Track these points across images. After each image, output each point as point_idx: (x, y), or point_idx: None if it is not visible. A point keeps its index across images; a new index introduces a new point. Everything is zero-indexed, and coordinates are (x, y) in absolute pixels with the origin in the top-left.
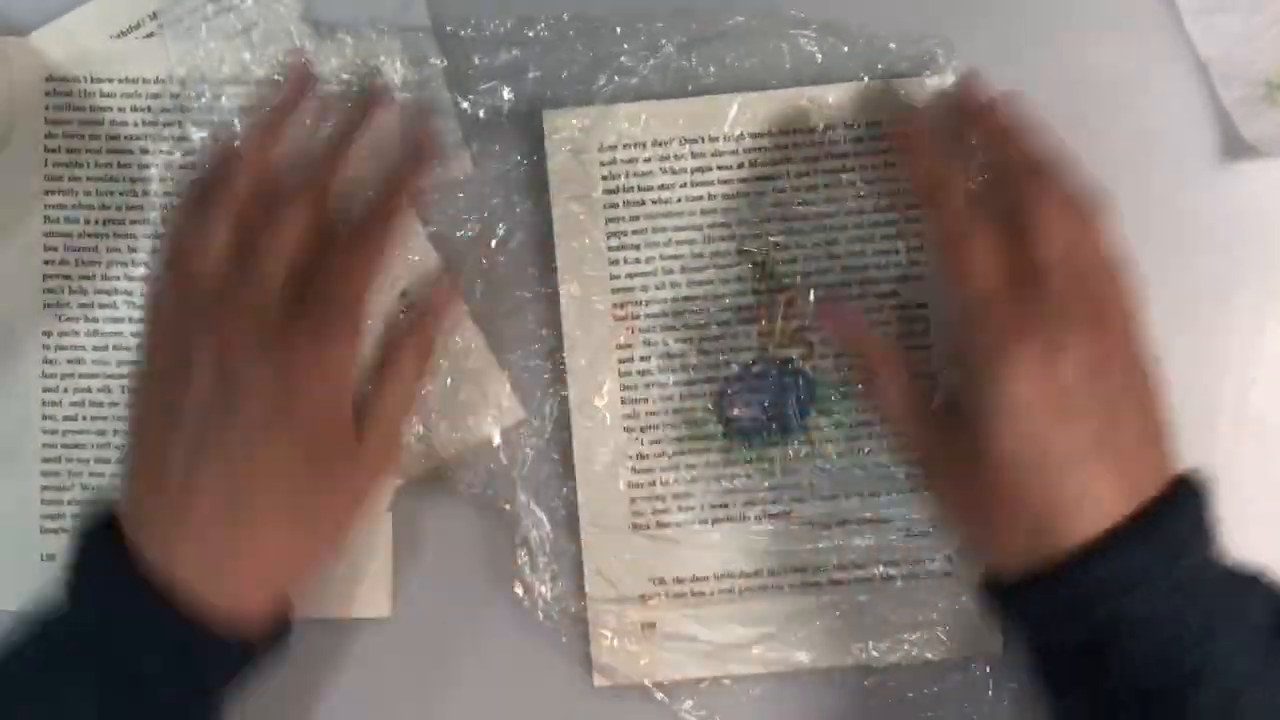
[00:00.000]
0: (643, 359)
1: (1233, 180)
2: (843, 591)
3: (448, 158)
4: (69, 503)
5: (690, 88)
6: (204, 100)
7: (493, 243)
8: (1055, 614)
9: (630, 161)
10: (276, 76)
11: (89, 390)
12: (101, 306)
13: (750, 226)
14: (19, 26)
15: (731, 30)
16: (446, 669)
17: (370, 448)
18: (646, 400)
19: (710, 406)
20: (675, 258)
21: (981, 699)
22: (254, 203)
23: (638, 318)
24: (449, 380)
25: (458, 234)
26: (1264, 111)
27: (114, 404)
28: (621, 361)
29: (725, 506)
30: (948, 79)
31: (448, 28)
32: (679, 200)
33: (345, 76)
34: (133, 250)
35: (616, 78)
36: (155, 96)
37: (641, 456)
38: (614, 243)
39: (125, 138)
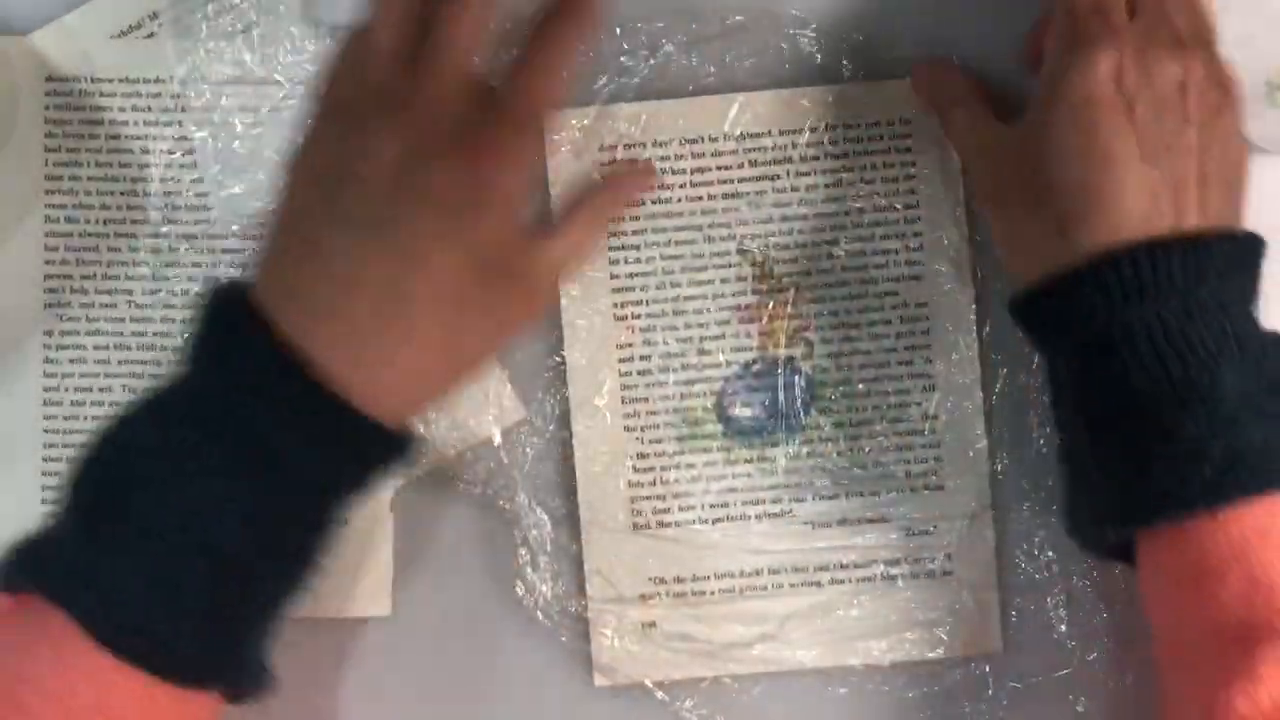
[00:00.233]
0: (643, 358)
1: None
2: (843, 591)
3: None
4: None
5: (690, 88)
6: (204, 100)
7: None
8: (1065, 320)
9: (630, 161)
10: None
11: (89, 390)
12: (102, 306)
13: (750, 226)
14: (19, 26)
15: (731, 30)
16: (446, 669)
17: (524, 282)
18: (647, 400)
19: (710, 406)
20: (675, 258)
21: (981, 699)
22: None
23: (638, 317)
24: None
25: None
26: (1264, 111)
27: (114, 404)
28: (622, 361)
29: (725, 506)
30: None
31: None
32: (679, 200)
33: None
34: (133, 250)
35: (616, 78)
36: (155, 96)
37: (642, 456)
38: (614, 243)
39: (125, 138)
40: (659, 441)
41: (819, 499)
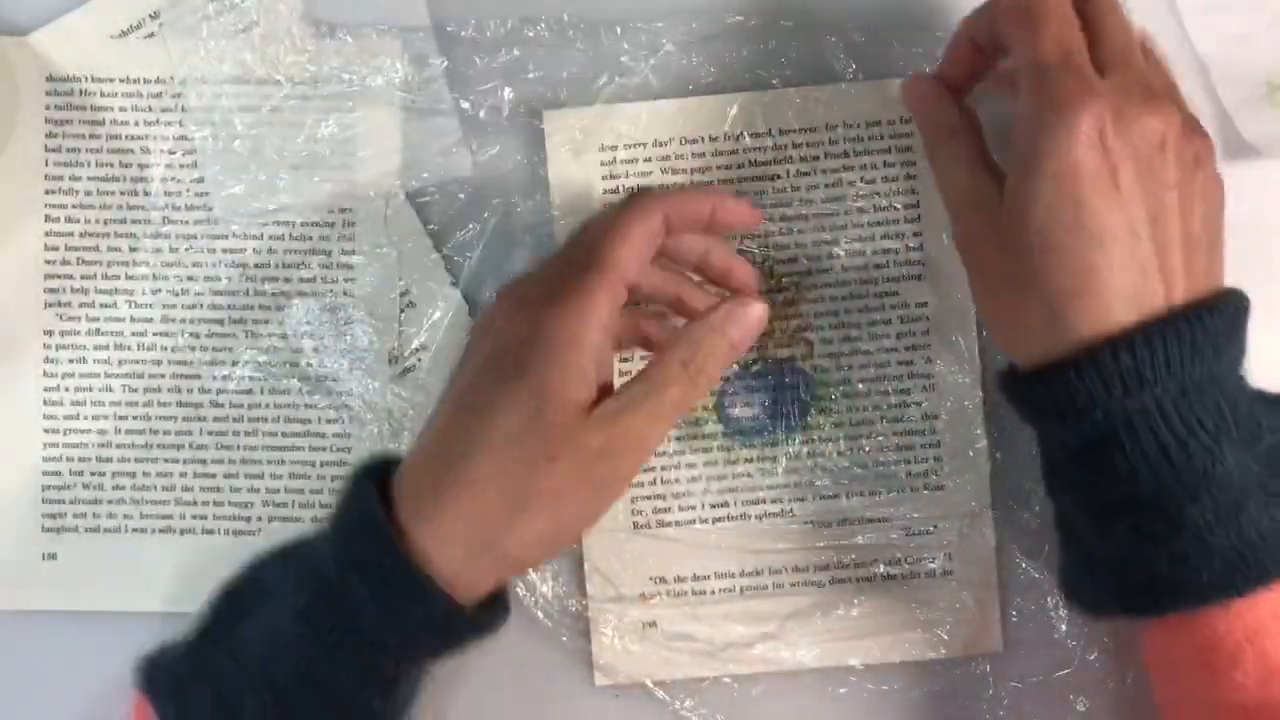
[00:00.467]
0: (643, 358)
1: (1233, 180)
2: (843, 591)
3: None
4: (69, 502)
5: (690, 88)
6: (204, 100)
7: (493, 243)
8: (1062, 406)
9: (630, 161)
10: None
11: (89, 390)
12: (102, 306)
13: None
14: (19, 26)
15: (731, 30)
16: (447, 668)
17: (600, 431)
18: (629, 356)
19: (710, 406)
20: None
21: (982, 698)
22: None
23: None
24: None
25: (458, 234)
26: (1264, 112)
27: (115, 403)
28: (622, 360)
29: (726, 506)
30: None
31: (448, 28)
32: None
33: (345, 77)
34: (133, 250)
35: (617, 78)
36: (155, 96)
37: None
38: None
39: (125, 138)
40: None
41: (819, 499)
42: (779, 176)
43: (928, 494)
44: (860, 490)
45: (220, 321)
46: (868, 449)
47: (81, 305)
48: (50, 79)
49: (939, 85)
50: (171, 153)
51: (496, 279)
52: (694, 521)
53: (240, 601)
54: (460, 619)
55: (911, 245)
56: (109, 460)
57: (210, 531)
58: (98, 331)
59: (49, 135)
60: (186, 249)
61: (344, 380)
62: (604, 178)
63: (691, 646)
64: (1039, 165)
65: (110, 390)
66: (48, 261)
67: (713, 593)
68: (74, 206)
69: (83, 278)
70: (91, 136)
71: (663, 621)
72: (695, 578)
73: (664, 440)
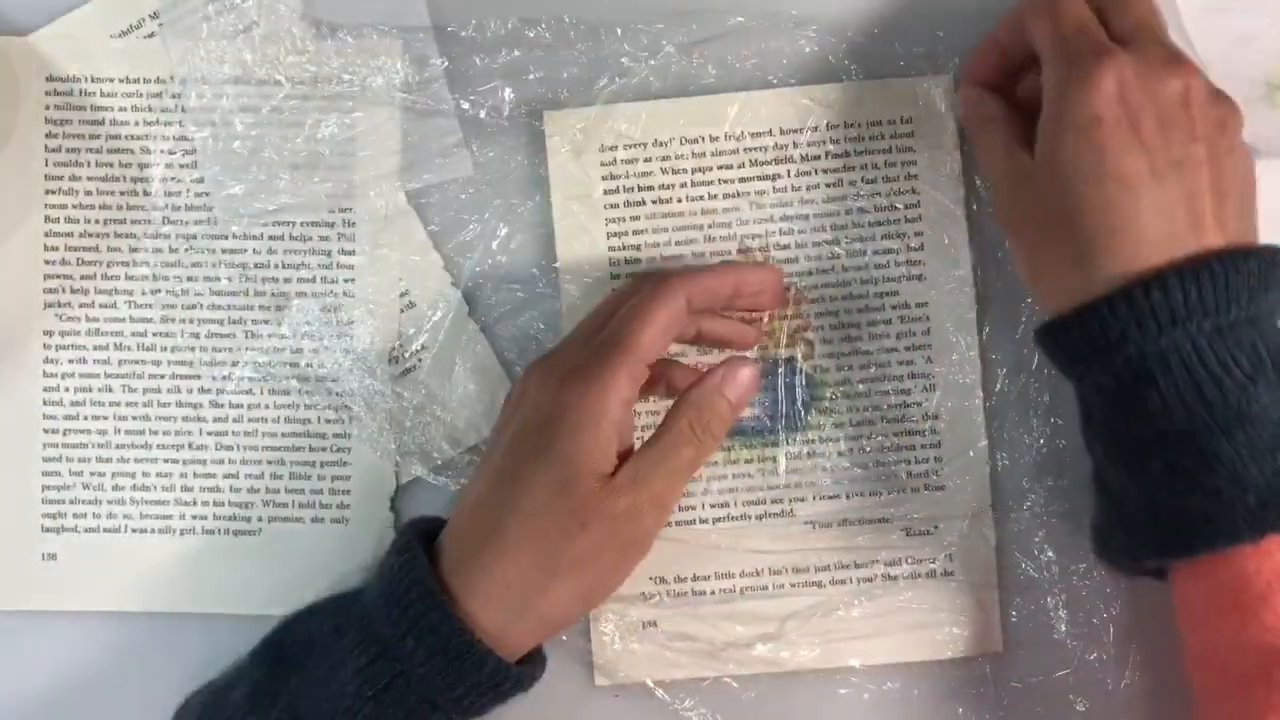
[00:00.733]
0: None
1: None
2: (843, 591)
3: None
4: (69, 502)
5: (690, 88)
6: (204, 100)
7: (493, 243)
8: (1094, 347)
9: (630, 161)
10: None
11: (89, 390)
12: (102, 306)
13: (751, 226)
14: (19, 26)
15: (731, 30)
16: None
17: (625, 496)
18: (647, 399)
19: None
20: (675, 258)
21: (982, 699)
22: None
23: None
24: (450, 379)
25: (458, 234)
26: (1264, 112)
27: (114, 404)
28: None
29: (726, 506)
30: (948, 78)
31: (448, 28)
32: (679, 200)
33: (345, 77)
34: (133, 250)
35: (616, 78)
36: (155, 96)
37: None
38: (614, 243)
39: (125, 138)
40: None
41: (819, 499)
42: (779, 176)
43: (928, 494)
44: (860, 490)
45: (220, 321)
46: (868, 449)
47: (81, 305)
48: (50, 79)
49: (975, 86)
50: (171, 153)
51: (497, 280)
52: (694, 521)
53: (289, 656)
54: (506, 677)
55: (912, 245)
56: (109, 460)
57: (210, 531)
58: (98, 331)
59: (49, 135)
60: (186, 249)
61: (344, 380)
62: (604, 178)
63: (692, 646)
64: (1061, 118)
65: (110, 390)
66: (48, 262)
67: (713, 593)
68: (74, 206)
69: (83, 278)
70: (91, 136)
71: (663, 621)
72: (695, 578)
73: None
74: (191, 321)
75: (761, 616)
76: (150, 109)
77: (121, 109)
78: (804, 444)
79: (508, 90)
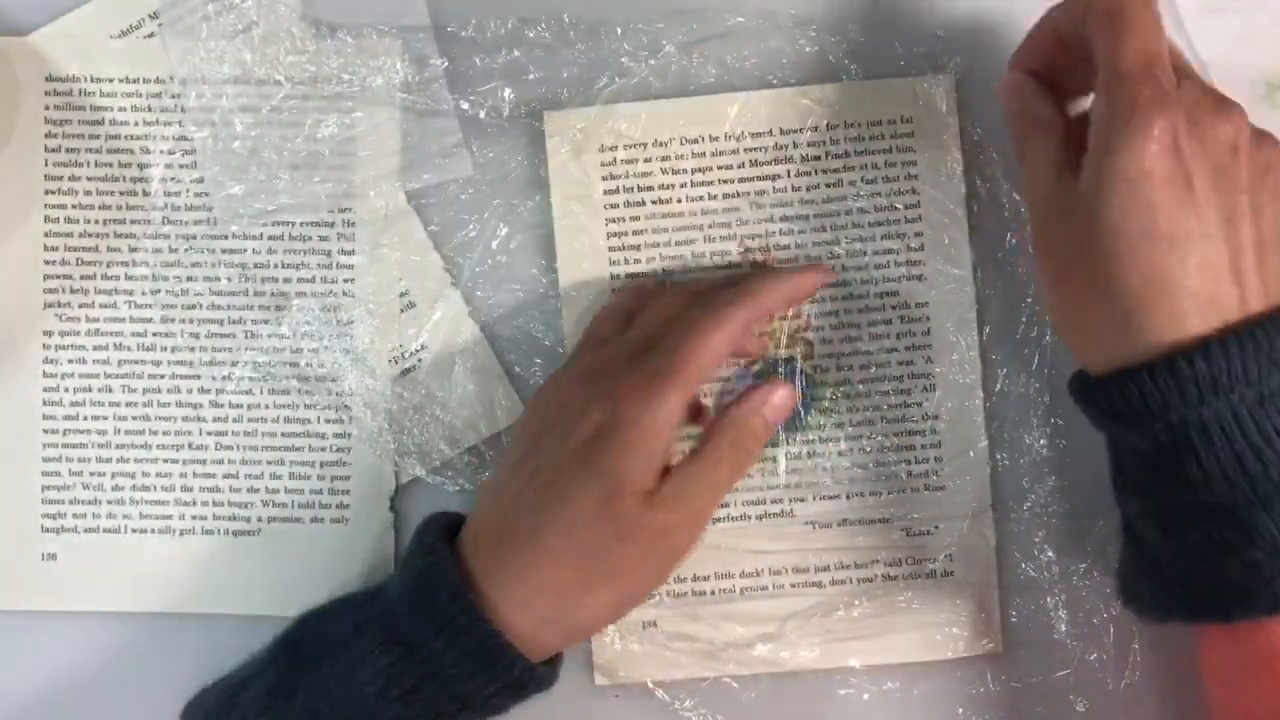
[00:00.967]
0: None
1: None
2: (843, 591)
3: None
4: (69, 502)
5: (690, 88)
6: (204, 100)
7: (493, 243)
8: (1136, 412)
9: (630, 161)
10: None
11: (89, 390)
12: (102, 306)
13: (751, 226)
14: (19, 26)
15: (731, 30)
16: None
17: (665, 511)
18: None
19: (710, 407)
20: (675, 258)
21: (982, 699)
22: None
23: None
24: (450, 379)
25: (458, 234)
26: (1264, 112)
27: (114, 404)
28: None
29: (726, 506)
30: (948, 78)
31: (448, 28)
32: (679, 200)
33: (345, 77)
34: (133, 250)
35: (616, 78)
36: (155, 96)
37: None
38: (614, 243)
39: (125, 138)
40: None
41: (819, 499)
42: (779, 176)
43: (928, 494)
44: (860, 490)
45: (220, 322)
46: (868, 449)
47: (81, 305)
48: (50, 79)
49: (1031, 79)
50: (171, 153)
51: (497, 280)
52: None
53: (304, 654)
54: (533, 678)
55: (912, 245)
56: (109, 460)
57: (210, 531)
58: (98, 331)
59: (49, 135)
60: (186, 249)
61: (344, 380)
62: (604, 178)
63: (691, 647)
64: (1112, 168)
65: (110, 390)
66: (47, 262)
67: (713, 593)
68: (74, 206)
69: (83, 278)
70: (91, 136)
71: (663, 621)
72: (695, 578)
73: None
74: (191, 321)
75: (761, 617)
76: (150, 109)
77: (121, 109)
78: (804, 444)
79: (508, 90)
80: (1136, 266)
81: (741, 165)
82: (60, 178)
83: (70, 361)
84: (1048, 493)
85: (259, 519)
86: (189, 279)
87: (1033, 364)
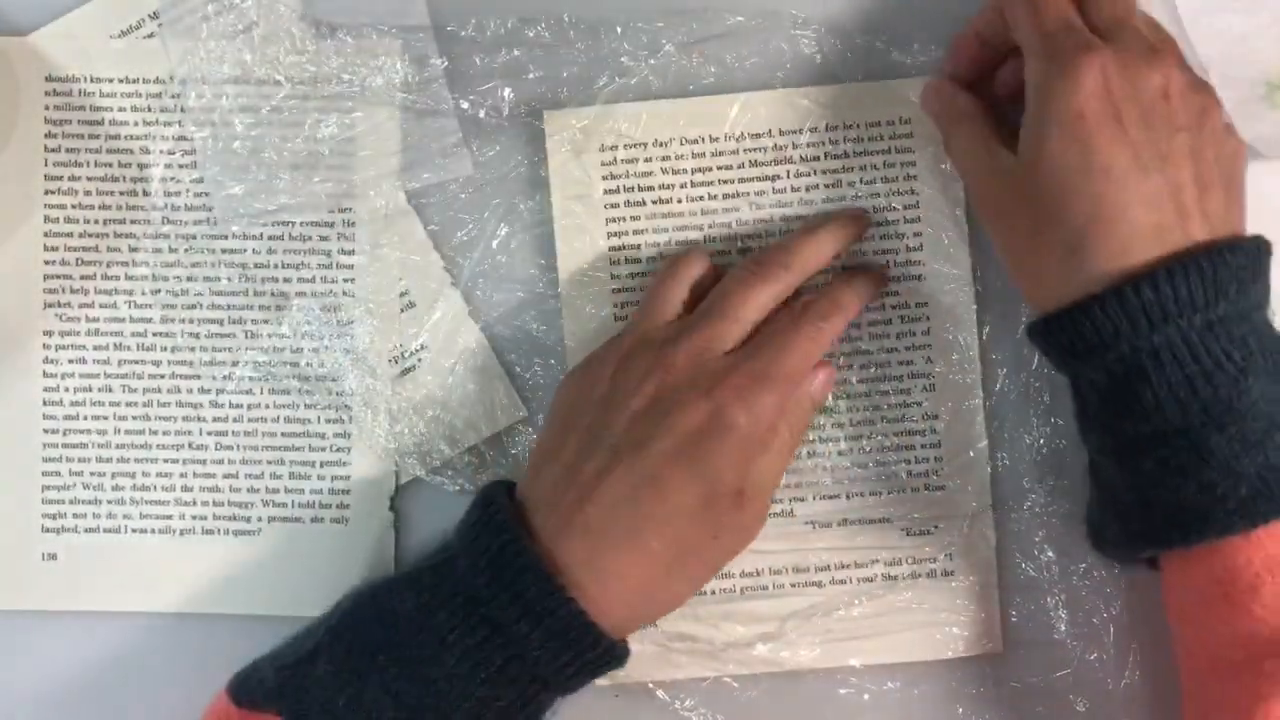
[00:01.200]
0: None
1: None
2: (843, 591)
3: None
4: (69, 502)
5: (690, 88)
6: (204, 100)
7: (493, 243)
8: (1088, 345)
9: (630, 161)
10: None
11: (89, 390)
12: (102, 306)
13: (751, 226)
14: (19, 26)
15: (731, 30)
16: None
17: (748, 507)
18: None
19: None
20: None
21: (982, 699)
22: (713, 275)
23: None
24: (450, 379)
25: (458, 234)
26: (1264, 112)
27: (114, 404)
28: None
29: None
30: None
31: (448, 28)
32: (679, 200)
33: (345, 77)
34: (133, 250)
35: (616, 78)
36: (155, 96)
37: None
38: (614, 243)
39: (125, 138)
40: None
41: (819, 499)
42: (779, 176)
43: (928, 494)
44: (860, 490)
45: (220, 322)
46: (868, 449)
47: (81, 305)
48: (50, 79)
49: (949, 81)
50: (171, 153)
51: (497, 280)
52: None
53: (368, 631)
54: (615, 655)
55: (911, 245)
56: (109, 460)
57: (210, 531)
58: (98, 331)
59: (49, 135)
60: (186, 249)
61: (344, 380)
62: (604, 178)
63: (692, 646)
64: (1045, 114)
65: (110, 390)
66: (47, 262)
67: (713, 593)
68: (74, 206)
69: (83, 278)
70: (91, 136)
71: (663, 621)
72: None
73: None
74: (191, 321)
75: (761, 616)
76: (150, 109)
77: (121, 109)
78: (804, 443)
79: (508, 90)
80: (1077, 200)
81: (741, 165)
82: (60, 178)
83: (70, 361)
84: (1048, 493)
85: (259, 519)
86: (189, 279)
87: (1033, 364)
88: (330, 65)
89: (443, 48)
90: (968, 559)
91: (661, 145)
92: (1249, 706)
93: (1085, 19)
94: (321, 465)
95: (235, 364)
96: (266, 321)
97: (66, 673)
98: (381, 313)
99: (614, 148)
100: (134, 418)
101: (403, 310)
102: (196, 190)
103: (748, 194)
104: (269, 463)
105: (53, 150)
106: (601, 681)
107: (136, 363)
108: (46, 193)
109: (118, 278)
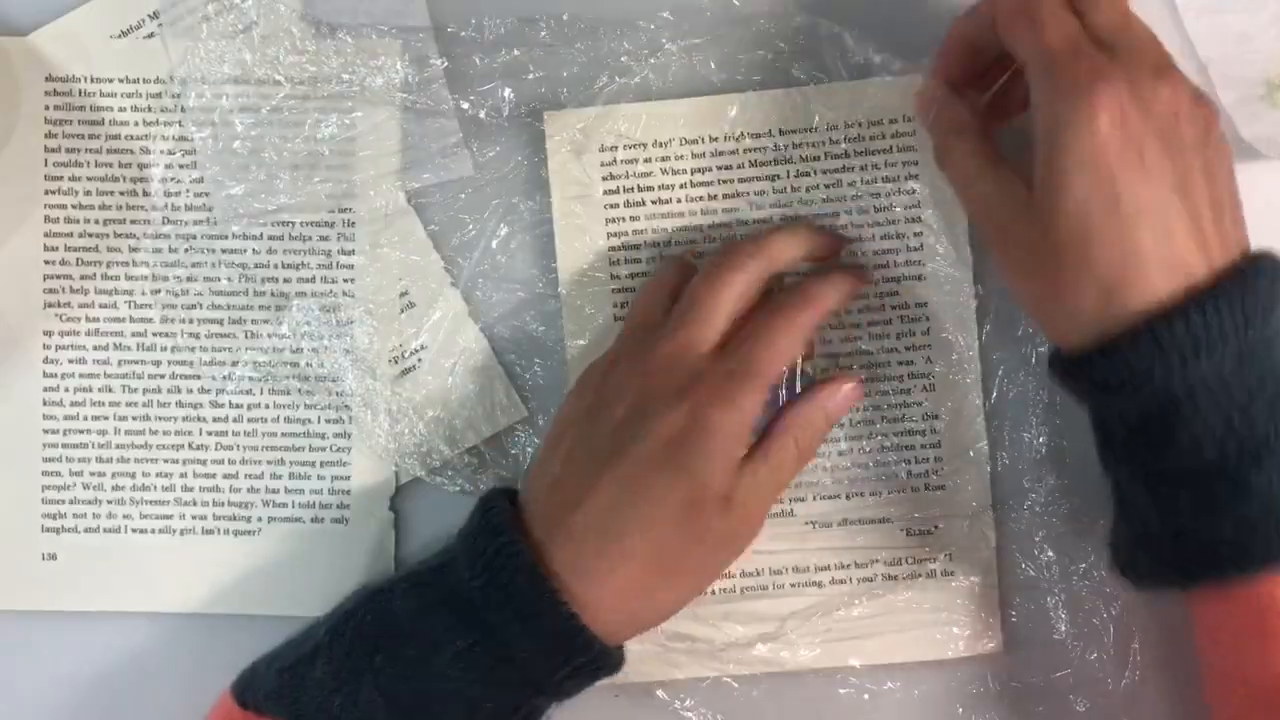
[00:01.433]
0: None
1: None
2: (843, 591)
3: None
4: (69, 502)
5: (690, 88)
6: (204, 100)
7: (493, 243)
8: (1121, 382)
9: (630, 161)
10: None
11: (89, 390)
12: (102, 306)
13: (751, 227)
14: (19, 26)
15: (732, 31)
16: None
17: (736, 512)
18: None
19: None
20: (676, 259)
21: (982, 699)
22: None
23: None
24: (450, 379)
25: (458, 234)
26: (1264, 112)
27: (114, 404)
28: None
29: None
30: None
31: (448, 28)
32: (679, 200)
33: (345, 77)
34: (133, 250)
35: (617, 78)
36: (155, 96)
37: None
38: (614, 243)
39: (125, 138)
40: None
41: (819, 499)
42: (779, 177)
43: (928, 494)
44: (860, 490)
45: (220, 322)
46: (868, 449)
47: (81, 305)
48: (50, 79)
49: (944, 86)
50: (171, 153)
51: (497, 280)
52: None
53: (367, 632)
54: (607, 662)
55: (912, 245)
56: (109, 460)
57: (210, 531)
58: (98, 331)
59: (49, 135)
60: (186, 249)
61: (344, 380)
62: (604, 178)
63: (692, 646)
64: (1065, 153)
65: (110, 390)
66: (47, 262)
67: (713, 593)
68: (74, 206)
69: (83, 278)
70: (91, 136)
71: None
72: None
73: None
74: (191, 321)
75: (761, 616)
76: (150, 109)
77: (121, 109)
78: None
79: (507, 90)
80: (1106, 247)
81: (741, 165)
82: (60, 178)
83: (70, 361)
84: (1048, 493)
85: (259, 519)
86: (189, 279)
87: (1032, 363)
88: (330, 65)
89: (443, 48)
90: (968, 559)
91: (661, 145)
92: None
93: (1085, 27)
94: (321, 465)
95: (235, 364)
96: (266, 321)
97: (67, 673)
98: (381, 313)
99: (614, 148)
100: (134, 418)
101: (402, 310)
102: (196, 190)
103: (747, 194)
104: (269, 463)
105: (53, 150)
106: (601, 682)
107: (136, 363)
108: (46, 193)
109: (118, 278)
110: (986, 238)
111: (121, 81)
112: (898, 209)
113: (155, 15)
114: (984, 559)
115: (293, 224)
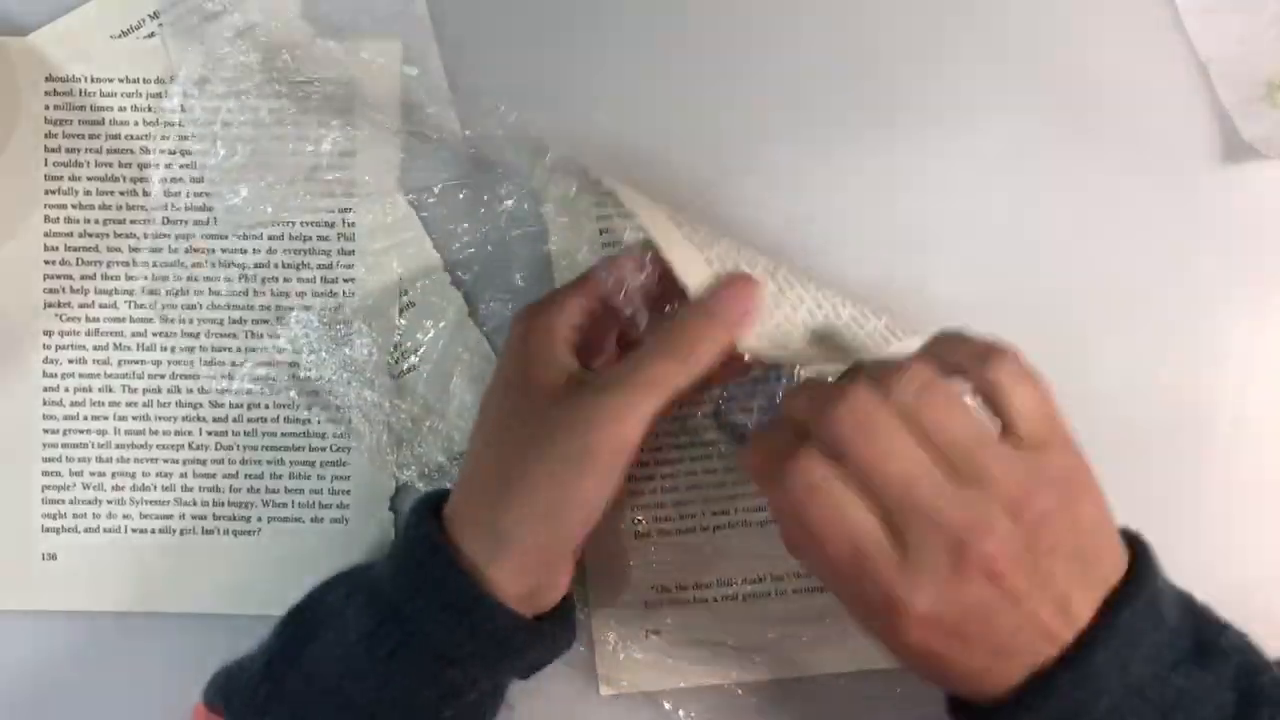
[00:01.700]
0: None
1: (1232, 181)
2: None
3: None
4: (69, 502)
5: None
6: (204, 102)
7: (493, 247)
8: None
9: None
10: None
11: (89, 390)
12: (102, 306)
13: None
14: (19, 26)
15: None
16: None
17: (567, 406)
18: None
19: (709, 413)
20: None
21: None
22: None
23: None
24: (448, 387)
25: (458, 238)
26: (1264, 112)
27: (114, 404)
28: None
29: (727, 513)
30: None
31: (448, 29)
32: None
33: (345, 79)
34: (133, 250)
35: (614, 82)
36: (155, 96)
37: (642, 464)
38: (609, 251)
39: (125, 138)
40: (659, 449)
41: None
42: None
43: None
44: None
45: (219, 322)
46: None
47: (81, 305)
48: (50, 79)
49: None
50: (171, 153)
51: (496, 282)
52: (695, 529)
53: (305, 625)
54: (518, 627)
55: None
56: (109, 460)
57: (210, 531)
58: (97, 332)
59: (49, 135)
60: (186, 249)
61: (342, 388)
62: (600, 179)
63: (695, 654)
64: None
65: (110, 391)
66: (47, 262)
67: (715, 599)
68: (74, 206)
69: (82, 278)
70: (91, 137)
71: (666, 629)
72: (697, 585)
73: (652, 424)
74: (191, 322)
75: (765, 621)
76: (150, 109)
77: (121, 109)
78: None
79: (507, 92)
80: (967, 662)
81: None
82: (60, 178)
83: (70, 361)
84: None
85: (259, 519)
86: (189, 279)
87: None
88: (331, 67)
89: (443, 50)
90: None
91: None
92: None
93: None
94: (321, 465)
95: (235, 365)
96: (266, 322)
97: (66, 673)
98: (381, 318)
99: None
100: (134, 418)
101: (402, 312)
102: (196, 190)
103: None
104: (269, 463)
105: (53, 150)
106: (605, 690)
107: (136, 363)
108: (46, 193)
109: (118, 278)
110: (892, 646)
111: (121, 81)
112: None
113: (155, 15)
114: None
115: (293, 225)
